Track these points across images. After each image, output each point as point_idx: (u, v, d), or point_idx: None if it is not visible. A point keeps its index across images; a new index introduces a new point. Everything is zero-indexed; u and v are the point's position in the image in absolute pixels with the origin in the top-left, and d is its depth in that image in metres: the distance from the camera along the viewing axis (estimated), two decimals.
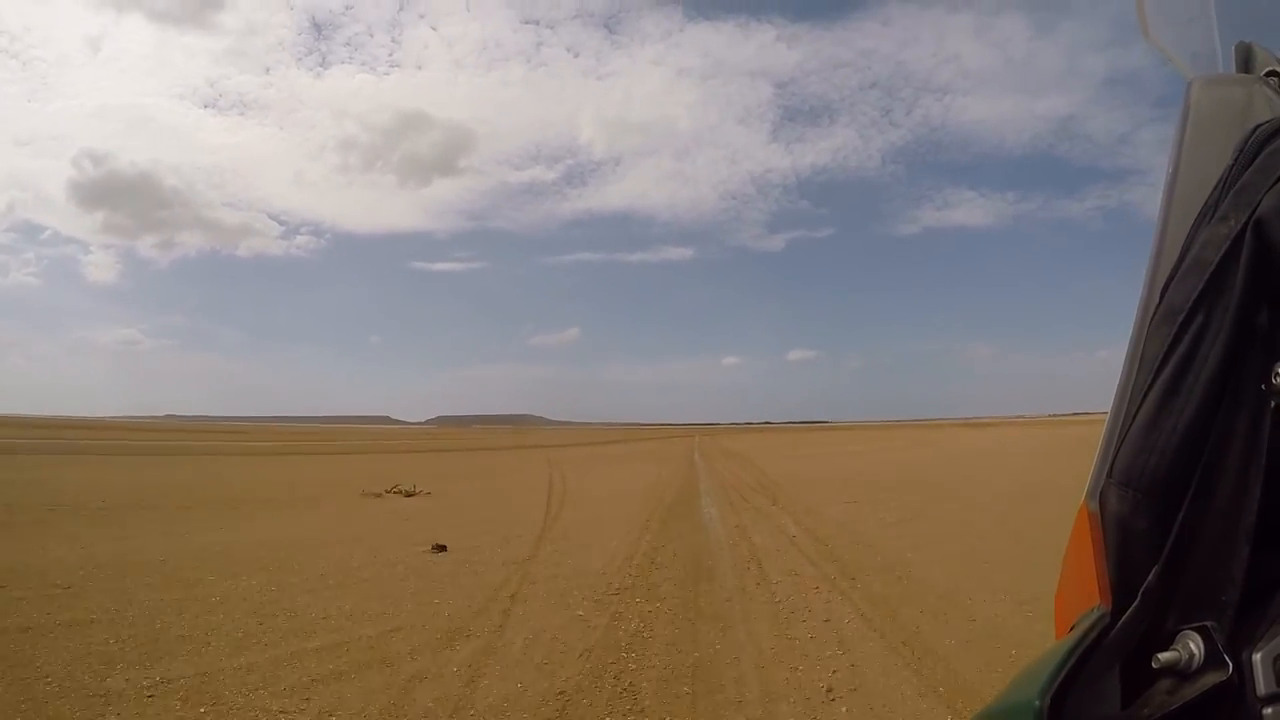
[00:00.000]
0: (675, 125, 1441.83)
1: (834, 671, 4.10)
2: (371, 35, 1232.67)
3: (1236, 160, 0.57)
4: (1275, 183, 0.52)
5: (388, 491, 13.74)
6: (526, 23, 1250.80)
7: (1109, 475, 0.55)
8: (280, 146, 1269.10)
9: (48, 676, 3.85)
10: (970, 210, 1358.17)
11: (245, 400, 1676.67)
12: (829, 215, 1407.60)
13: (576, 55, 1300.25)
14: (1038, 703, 0.49)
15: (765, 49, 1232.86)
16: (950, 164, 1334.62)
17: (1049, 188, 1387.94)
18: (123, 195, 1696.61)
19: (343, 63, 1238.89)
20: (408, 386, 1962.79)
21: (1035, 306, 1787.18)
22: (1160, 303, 0.57)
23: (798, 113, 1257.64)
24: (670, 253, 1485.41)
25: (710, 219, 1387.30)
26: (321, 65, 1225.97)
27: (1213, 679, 0.47)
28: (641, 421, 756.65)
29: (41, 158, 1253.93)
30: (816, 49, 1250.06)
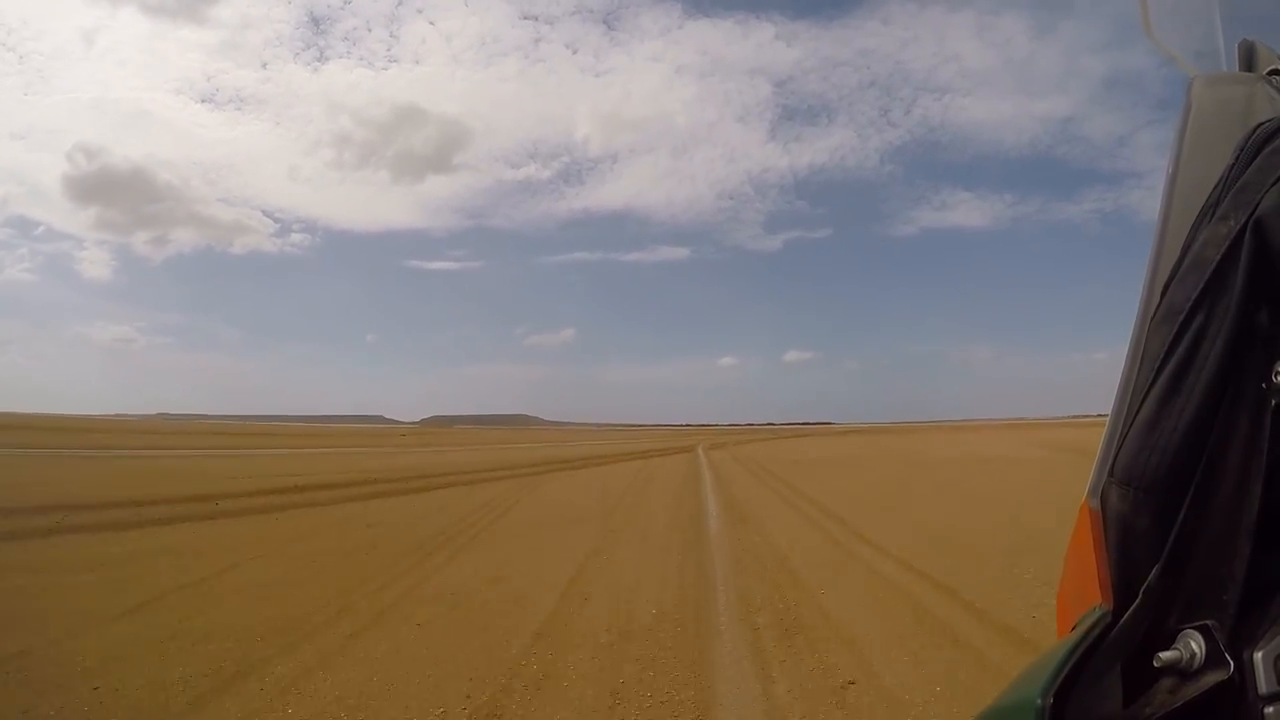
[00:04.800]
0: (673, 123, 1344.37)
1: None
2: (370, 30, 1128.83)
3: (1237, 159, 0.57)
4: (1275, 182, 0.52)
5: None
6: (525, 18, 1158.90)
7: (1110, 474, 0.56)
8: (276, 142, 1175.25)
9: None
10: (968, 211, 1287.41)
11: (236, 399, 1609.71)
12: (826, 215, 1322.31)
13: (575, 51, 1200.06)
14: (1040, 701, 0.49)
15: (764, 47, 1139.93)
16: (948, 165, 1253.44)
17: (1047, 190, 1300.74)
18: (116, 190, 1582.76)
19: (340, 57, 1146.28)
20: (402, 386, 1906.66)
21: (1032, 309, 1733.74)
22: (1161, 302, 0.57)
23: (796, 112, 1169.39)
24: (666, 252, 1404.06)
25: (707, 218, 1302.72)
26: (319, 60, 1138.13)
27: (1214, 678, 0.47)
28: (637, 422, 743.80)
29: (36, 151, 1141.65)
30: (815, 47, 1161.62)
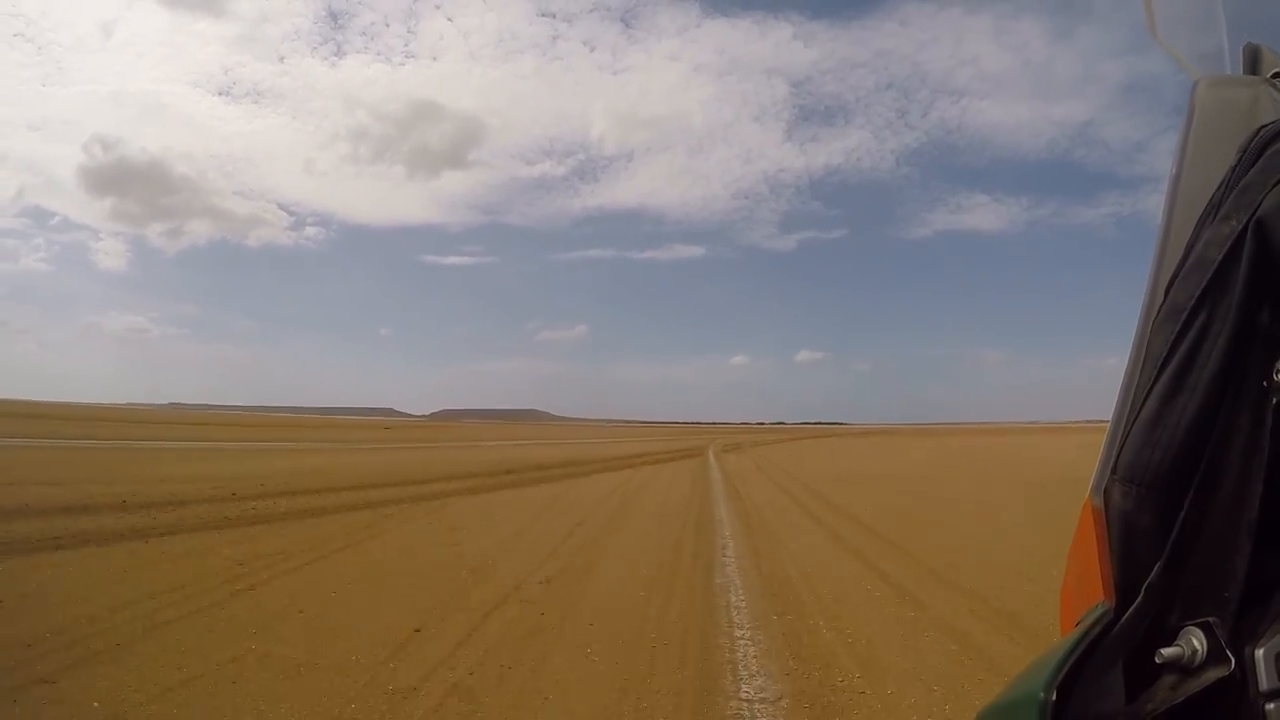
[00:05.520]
0: (689, 122, 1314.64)
1: None
2: (388, 25, 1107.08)
3: (1240, 160, 0.58)
4: (1277, 184, 0.53)
5: None
6: (543, 15, 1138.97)
7: (1113, 471, 0.56)
8: (293, 136, 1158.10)
9: None
10: (984, 215, 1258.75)
11: (249, 390, 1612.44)
12: (841, 216, 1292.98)
13: (592, 49, 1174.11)
14: (1042, 696, 0.50)
15: (782, 47, 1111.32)
16: (964, 167, 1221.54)
17: (1063, 194, 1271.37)
18: (132, 182, 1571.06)
19: (358, 52, 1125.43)
20: (412, 379, 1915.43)
21: (1045, 313, 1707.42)
22: (1164, 301, 0.58)
23: (813, 112, 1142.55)
24: (681, 251, 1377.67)
25: (722, 217, 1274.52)
26: (337, 55, 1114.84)
27: (1215, 674, 0.48)
28: (647, 419, 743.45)
29: (53, 142, 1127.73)
30: (833, 48, 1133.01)
